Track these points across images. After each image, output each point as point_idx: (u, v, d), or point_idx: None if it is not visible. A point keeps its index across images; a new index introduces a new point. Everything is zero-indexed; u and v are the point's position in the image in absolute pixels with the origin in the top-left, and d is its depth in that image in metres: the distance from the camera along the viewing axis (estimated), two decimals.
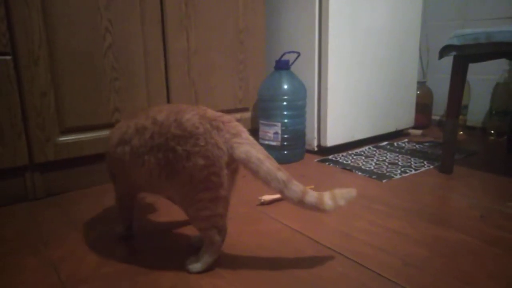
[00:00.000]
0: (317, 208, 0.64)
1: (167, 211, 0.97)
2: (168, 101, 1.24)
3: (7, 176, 1.02)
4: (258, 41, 1.42)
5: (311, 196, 0.64)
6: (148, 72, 1.18)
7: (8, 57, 0.96)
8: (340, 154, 1.44)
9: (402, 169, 1.26)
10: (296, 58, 1.39)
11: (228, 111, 1.39)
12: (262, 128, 1.38)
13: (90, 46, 1.06)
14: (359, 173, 1.23)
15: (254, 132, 1.47)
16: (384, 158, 1.39)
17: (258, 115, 1.41)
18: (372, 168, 1.28)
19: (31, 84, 0.99)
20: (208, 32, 1.28)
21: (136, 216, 0.89)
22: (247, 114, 1.45)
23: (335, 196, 0.66)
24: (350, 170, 1.26)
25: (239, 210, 0.97)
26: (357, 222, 0.89)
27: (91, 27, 1.06)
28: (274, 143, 1.35)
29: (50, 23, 1.00)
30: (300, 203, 0.64)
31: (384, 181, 1.16)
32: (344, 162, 1.35)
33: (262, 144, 1.38)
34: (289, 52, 1.38)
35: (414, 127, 1.82)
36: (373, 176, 1.20)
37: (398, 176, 1.19)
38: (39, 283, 0.67)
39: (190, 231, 0.85)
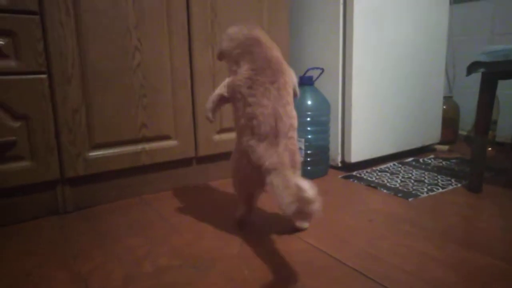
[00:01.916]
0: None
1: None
2: (194, 116, 1.26)
3: (39, 190, 1.06)
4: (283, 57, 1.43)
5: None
6: (175, 89, 1.21)
7: (43, 76, 1.00)
8: (365, 171, 1.43)
9: (429, 187, 1.23)
10: (320, 74, 1.40)
11: None
12: None
13: (120, 64, 1.10)
14: (384, 191, 1.21)
15: None
16: (410, 175, 1.37)
17: None
18: (398, 185, 1.26)
19: (64, 101, 1.03)
20: None
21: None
22: None
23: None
24: (375, 187, 1.25)
25: (261, 228, 0.97)
26: (383, 242, 0.88)
27: (121, 46, 1.10)
28: None
29: (82, 43, 1.04)
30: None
31: (410, 199, 1.14)
32: (369, 178, 1.34)
33: None
34: (313, 69, 1.39)
35: (440, 143, 1.79)
36: (399, 194, 1.18)
37: (425, 195, 1.17)
38: None
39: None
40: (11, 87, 0.96)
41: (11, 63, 0.95)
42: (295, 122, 0.87)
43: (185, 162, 1.30)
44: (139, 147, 1.17)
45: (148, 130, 1.18)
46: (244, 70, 0.86)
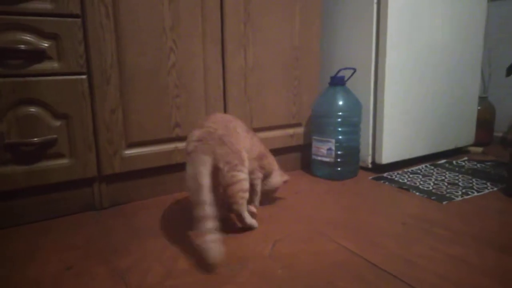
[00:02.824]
0: None
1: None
2: None
3: (77, 187, 1.10)
4: (313, 57, 1.43)
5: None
6: (207, 89, 1.23)
7: (83, 77, 1.04)
8: (396, 172, 1.41)
9: (464, 191, 1.20)
10: (352, 74, 1.39)
11: (281, 126, 1.41)
12: (315, 144, 1.38)
13: (155, 65, 1.13)
14: (417, 193, 1.19)
15: (307, 147, 1.47)
16: (443, 177, 1.34)
17: (312, 131, 1.41)
18: (431, 188, 1.24)
19: (103, 101, 1.07)
20: (264, 49, 1.31)
21: None
22: (300, 129, 1.46)
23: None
24: (407, 190, 1.23)
25: (293, 228, 0.98)
26: (417, 246, 0.87)
27: (157, 47, 1.12)
28: (327, 159, 1.34)
29: (121, 44, 1.07)
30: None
31: (444, 203, 1.12)
32: (400, 180, 1.32)
33: (315, 160, 1.39)
34: (345, 69, 1.38)
35: (474, 145, 1.74)
36: (432, 197, 1.16)
37: (459, 198, 1.15)
38: None
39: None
40: (53, 88, 1.00)
41: (54, 65, 1.00)
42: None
43: None
44: (172, 146, 1.20)
45: (181, 130, 1.20)
46: None
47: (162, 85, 1.15)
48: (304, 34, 1.39)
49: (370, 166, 1.44)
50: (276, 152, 1.43)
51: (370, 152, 1.43)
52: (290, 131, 1.43)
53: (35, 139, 0.98)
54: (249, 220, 0.96)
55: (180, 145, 1.21)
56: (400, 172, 1.42)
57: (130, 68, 1.09)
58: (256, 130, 1.35)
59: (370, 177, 1.37)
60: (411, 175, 1.37)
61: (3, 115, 0.95)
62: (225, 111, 1.28)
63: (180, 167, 1.24)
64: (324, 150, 1.34)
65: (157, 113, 1.16)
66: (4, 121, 0.95)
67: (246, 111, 1.32)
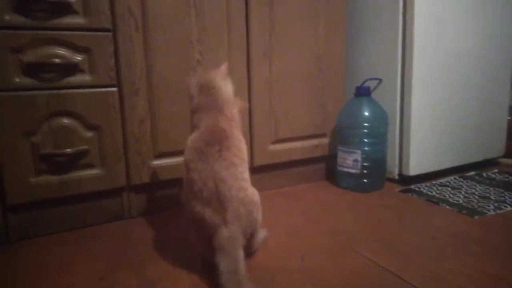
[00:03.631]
0: None
1: None
2: (250, 127, 1.28)
3: (107, 196, 1.12)
4: (338, 68, 1.42)
5: None
6: None
7: (114, 89, 1.06)
8: (424, 184, 1.38)
9: (496, 205, 1.17)
10: (378, 85, 1.37)
11: (306, 137, 1.40)
12: (341, 155, 1.37)
13: (182, 76, 1.14)
14: (447, 207, 1.16)
15: (332, 158, 1.46)
16: (473, 190, 1.31)
17: (337, 142, 1.40)
18: (461, 201, 1.20)
19: (132, 112, 1.09)
20: (289, 60, 1.32)
21: None
22: (325, 140, 1.45)
23: None
24: (436, 203, 1.20)
25: (320, 241, 0.97)
26: (449, 262, 0.85)
27: (184, 59, 1.14)
28: (353, 171, 1.33)
29: (149, 56, 1.09)
30: None
31: (476, 217, 1.09)
32: (429, 193, 1.29)
33: (341, 172, 1.37)
34: (371, 79, 1.37)
35: (504, 156, 1.69)
36: (463, 211, 1.12)
37: (492, 213, 1.11)
38: None
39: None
40: (85, 100, 1.03)
41: (86, 78, 1.02)
42: (245, 184, 0.82)
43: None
44: None
45: None
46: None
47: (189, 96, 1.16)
48: (328, 45, 1.39)
49: (397, 177, 1.42)
50: (300, 162, 1.43)
51: (397, 163, 1.40)
52: (315, 141, 1.42)
53: (68, 150, 1.01)
54: (262, 234, 0.93)
55: None
56: (428, 184, 1.39)
57: (158, 80, 1.12)
58: (281, 140, 1.35)
59: (397, 189, 1.34)
60: (439, 188, 1.34)
61: (38, 127, 0.98)
62: (250, 122, 1.28)
63: None
64: (350, 161, 1.33)
65: (184, 124, 1.17)
66: (39, 133, 0.99)
67: (271, 122, 1.32)
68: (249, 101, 1.27)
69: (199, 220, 0.77)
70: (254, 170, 1.35)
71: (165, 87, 1.13)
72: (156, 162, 1.15)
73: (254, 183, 1.36)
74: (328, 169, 1.50)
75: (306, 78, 1.36)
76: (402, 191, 1.33)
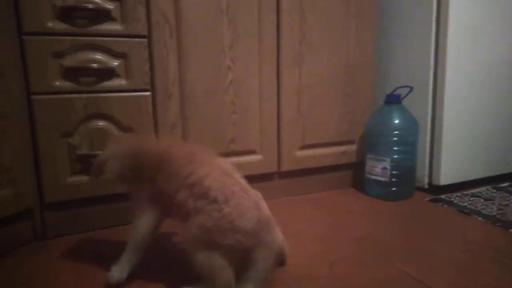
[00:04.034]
0: None
1: None
2: (278, 133, 1.29)
3: None
4: (367, 75, 1.41)
5: None
6: (262, 106, 1.25)
7: (148, 93, 1.09)
8: (454, 194, 1.35)
9: None
10: (408, 93, 1.35)
11: (333, 143, 1.40)
12: (369, 163, 1.35)
13: (214, 82, 1.17)
14: (479, 218, 1.13)
15: (359, 165, 1.45)
16: (507, 202, 1.27)
17: (365, 149, 1.39)
18: (494, 213, 1.17)
19: (164, 117, 1.12)
20: (319, 67, 1.32)
21: None
22: (353, 147, 1.44)
23: None
24: (468, 214, 1.17)
25: (349, 249, 0.96)
26: (484, 276, 0.82)
27: (216, 65, 1.16)
28: (382, 179, 1.31)
29: (182, 62, 1.12)
30: None
31: (511, 230, 1.05)
32: (460, 203, 1.26)
33: (369, 179, 1.36)
34: (401, 87, 1.35)
35: None
36: (497, 224, 1.09)
37: None
38: None
39: None
40: (121, 103, 1.06)
41: (122, 82, 1.06)
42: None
43: (268, 177, 1.33)
44: (227, 160, 1.22)
45: (236, 145, 1.23)
46: None
47: (220, 102, 1.18)
48: (359, 52, 1.38)
49: (426, 187, 1.39)
50: (327, 169, 1.42)
51: (427, 172, 1.38)
52: (342, 148, 1.42)
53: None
54: None
55: (235, 159, 1.23)
56: (459, 194, 1.35)
57: (190, 85, 1.14)
58: (308, 147, 1.35)
59: (427, 199, 1.32)
60: (471, 198, 1.31)
61: (76, 128, 1.02)
62: (278, 128, 1.29)
63: None
64: (379, 169, 1.31)
65: (214, 129, 1.19)
66: (76, 134, 1.02)
67: (299, 128, 1.32)
68: (278, 107, 1.28)
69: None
70: (281, 175, 1.36)
71: (197, 92, 1.15)
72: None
73: (280, 188, 1.37)
74: (355, 176, 1.49)
75: (335, 85, 1.36)
76: (432, 200, 1.30)
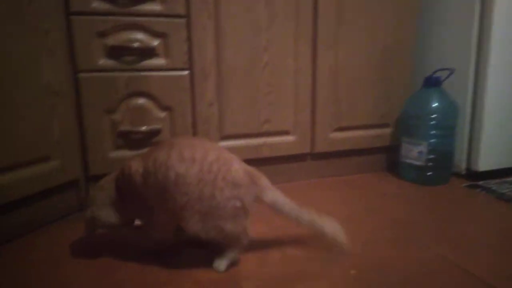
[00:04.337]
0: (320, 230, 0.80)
1: None
2: (313, 114, 1.29)
3: None
4: (406, 57, 1.38)
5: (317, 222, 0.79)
6: (297, 88, 1.25)
7: (186, 72, 1.12)
8: (493, 181, 1.31)
9: None
10: (449, 75, 1.31)
11: (369, 126, 1.38)
12: (405, 146, 1.33)
13: (250, 63, 1.18)
14: None
15: (394, 149, 1.43)
16: None
17: (401, 132, 1.37)
18: None
19: (201, 96, 1.14)
20: (356, 48, 1.30)
21: None
22: (387, 130, 1.42)
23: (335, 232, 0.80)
24: (508, 201, 1.14)
25: (382, 231, 0.96)
26: None
27: (252, 46, 1.17)
28: (417, 163, 1.29)
29: (220, 42, 1.13)
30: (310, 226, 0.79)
31: None
32: (499, 190, 1.22)
33: (404, 163, 1.34)
34: (441, 69, 1.31)
35: None
36: None
37: None
38: None
39: None
40: (160, 82, 1.09)
41: (161, 61, 1.09)
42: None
43: (300, 158, 1.34)
44: (261, 140, 1.24)
45: (270, 125, 1.24)
46: None
47: (255, 82, 1.20)
48: (398, 33, 1.35)
49: (463, 172, 1.36)
50: (361, 152, 1.41)
51: (465, 157, 1.34)
52: (378, 131, 1.40)
53: (143, 128, 1.09)
54: None
55: (269, 140, 1.25)
56: (498, 181, 1.31)
57: (227, 65, 1.16)
58: (343, 129, 1.35)
59: (464, 185, 1.29)
60: (511, 185, 1.27)
61: (118, 105, 1.06)
62: (312, 110, 1.29)
63: (267, 161, 1.28)
64: (415, 153, 1.29)
65: (249, 109, 1.21)
66: (118, 111, 1.07)
67: (334, 110, 1.31)
68: (313, 88, 1.28)
69: None
70: (314, 156, 1.36)
71: (233, 72, 1.17)
72: (222, 144, 1.20)
73: (311, 170, 1.38)
74: (389, 160, 1.47)
75: (373, 67, 1.34)
76: (469, 186, 1.27)
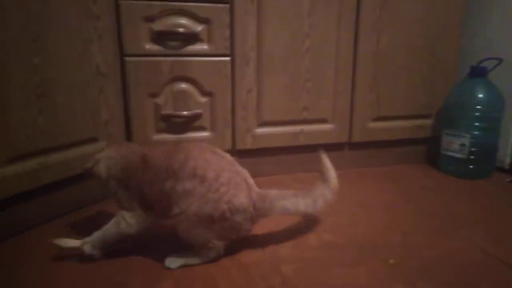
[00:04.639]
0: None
1: None
2: (352, 102, 1.28)
3: None
4: (451, 45, 1.33)
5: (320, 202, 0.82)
6: (337, 74, 1.24)
7: (227, 58, 1.13)
8: None
9: None
10: (496, 65, 1.26)
11: (409, 116, 1.35)
12: (446, 138, 1.30)
13: (290, 49, 1.17)
14: None
15: (434, 140, 1.40)
16: None
17: (443, 124, 1.33)
18: None
19: (241, 82, 1.16)
20: (399, 35, 1.27)
21: None
22: (428, 121, 1.38)
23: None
24: None
25: (421, 222, 0.95)
26: None
27: (293, 31, 1.17)
28: (459, 155, 1.26)
29: (261, 28, 1.14)
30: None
31: None
32: None
33: (445, 155, 1.31)
34: (488, 59, 1.26)
35: None
36: None
37: None
38: None
39: None
40: (203, 67, 1.11)
41: (204, 47, 1.10)
42: None
43: (338, 147, 1.33)
44: (298, 128, 1.25)
45: (308, 113, 1.24)
46: None
47: (295, 68, 1.19)
48: (443, 20, 1.30)
49: (507, 167, 1.31)
50: (400, 142, 1.39)
51: (510, 151, 1.29)
52: (418, 122, 1.37)
53: (185, 112, 1.11)
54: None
55: (306, 127, 1.25)
56: None
57: (267, 51, 1.16)
58: (382, 118, 1.33)
59: (507, 179, 1.25)
60: None
61: (162, 90, 1.09)
62: (352, 97, 1.28)
63: (303, 148, 1.29)
64: (457, 145, 1.26)
65: (288, 96, 1.21)
66: (162, 95, 1.10)
67: (373, 98, 1.30)
68: (353, 76, 1.26)
69: None
70: (351, 146, 1.35)
71: (273, 59, 1.17)
72: (259, 130, 1.21)
73: (348, 159, 1.37)
74: (429, 152, 1.44)
75: (416, 54, 1.30)
76: None
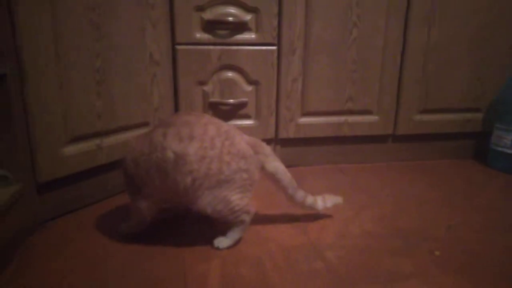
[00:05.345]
0: (312, 208, 0.86)
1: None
2: (398, 94, 1.26)
3: None
4: (505, 37, 1.27)
5: (309, 199, 0.85)
6: (384, 66, 1.22)
7: (274, 47, 1.14)
8: None
9: None
10: None
11: (458, 110, 1.31)
12: (497, 133, 1.25)
13: (337, 39, 1.17)
14: None
15: (483, 135, 1.35)
16: None
17: (494, 118, 1.28)
18: None
19: (287, 71, 1.17)
20: (450, 26, 1.23)
21: None
22: (478, 115, 1.34)
23: (325, 199, 0.88)
24: None
25: (467, 217, 0.93)
26: None
27: (341, 21, 1.16)
28: (510, 151, 1.21)
29: (309, 18, 1.14)
30: (302, 204, 0.85)
31: None
32: None
33: (495, 151, 1.27)
34: None
35: None
36: None
37: None
38: None
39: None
40: (250, 56, 1.13)
41: (252, 36, 1.12)
42: None
43: (381, 139, 1.32)
44: (342, 118, 1.24)
45: (353, 104, 1.24)
46: None
47: (341, 58, 1.19)
48: (497, 11, 1.24)
49: None
50: (447, 136, 1.36)
51: None
52: (467, 115, 1.33)
53: (231, 100, 1.14)
54: None
55: (350, 118, 1.24)
56: None
57: (314, 41, 1.16)
58: (430, 111, 1.29)
59: None
60: None
61: (210, 77, 1.13)
62: (398, 90, 1.26)
63: (347, 139, 1.28)
64: (508, 140, 1.21)
65: (333, 86, 1.21)
66: (210, 83, 1.13)
67: (421, 91, 1.27)
68: (401, 68, 1.24)
69: None
70: (395, 139, 1.33)
71: (320, 48, 1.17)
72: (303, 120, 1.22)
73: (392, 152, 1.35)
74: (477, 147, 1.39)
75: (467, 47, 1.26)
76: None
